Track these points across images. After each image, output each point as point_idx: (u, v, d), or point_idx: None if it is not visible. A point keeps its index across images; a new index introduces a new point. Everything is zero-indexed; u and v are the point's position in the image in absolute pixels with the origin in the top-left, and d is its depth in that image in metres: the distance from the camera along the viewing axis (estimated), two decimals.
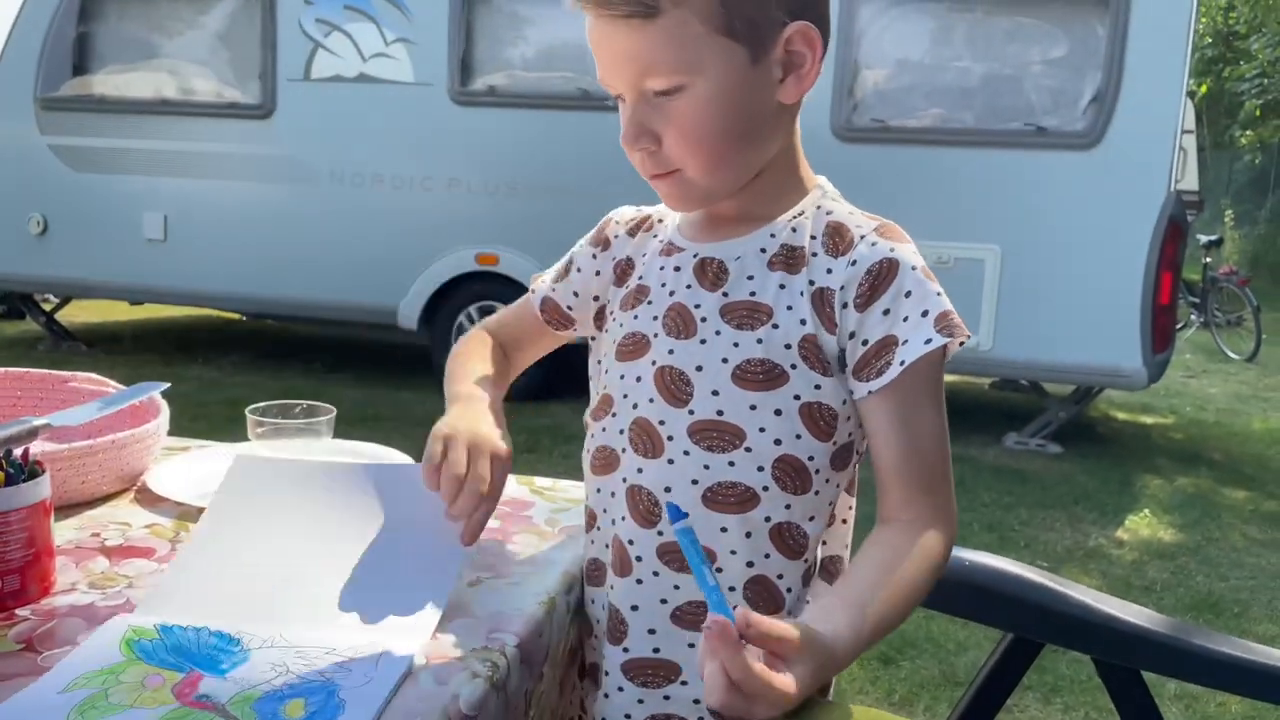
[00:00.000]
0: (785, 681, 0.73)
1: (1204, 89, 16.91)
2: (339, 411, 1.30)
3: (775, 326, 0.93)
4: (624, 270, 1.05)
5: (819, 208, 0.97)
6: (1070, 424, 5.18)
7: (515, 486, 1.31)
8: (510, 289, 5.41)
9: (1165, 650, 1.11)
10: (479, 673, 0.83)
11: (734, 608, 0.72)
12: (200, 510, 1.12)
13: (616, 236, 1.08)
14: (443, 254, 5.44)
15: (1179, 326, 6.31)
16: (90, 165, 5.86)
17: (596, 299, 1.09)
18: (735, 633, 0.71)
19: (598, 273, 1.08)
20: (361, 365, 6.29)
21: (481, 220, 5.37)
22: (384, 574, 0.99)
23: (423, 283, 5.47)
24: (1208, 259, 9.32)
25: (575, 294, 1.11)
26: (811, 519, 0.95)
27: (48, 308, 6.86)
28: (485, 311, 5.49)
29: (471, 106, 5.30)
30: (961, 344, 0.91)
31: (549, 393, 5.29)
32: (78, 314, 7.37)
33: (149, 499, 1.19)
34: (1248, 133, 17.33)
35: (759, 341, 0.93)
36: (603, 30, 0.90)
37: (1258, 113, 16.63)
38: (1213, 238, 9.79)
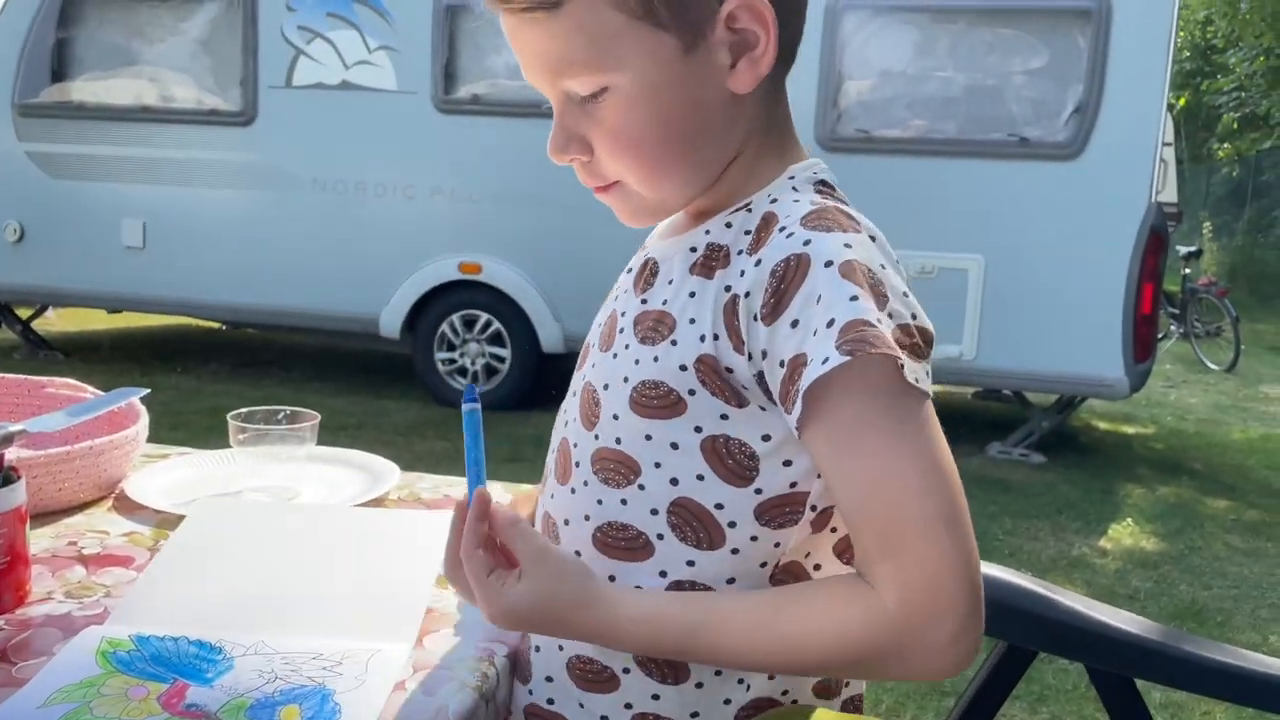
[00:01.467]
0: (496, 586, 0.76)
1: (1182, 102, 17.10)
2: (320, 420, 1.28)
3: (674, 343, 0.78)
4: None
5: (770, 197, 0.80)
6: (1053, 433, 5.19)
7: (501, 494, 1.29)
8: (493, 298, 5.39)
9: (1159, 658, 1.10)
10: (468, 683, 0.82)
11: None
12: (180, 518, 1.10)
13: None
14: (425, 262, 5.41)
15: (1159, 337, 6.35)
16: (68, 172, 5.81)
17: None
18: (488, 506, 0.77)
19: None
20: (343, 374, 6.25)
21: (465, 229, 5.36)
22: (363, 580, 0.98)
23: (405, 291, 5.44)
24: (1187, 270, 9.39)
25: None
26: (730, 582, 0.79)
27: (25, 315, 6.78)
28: (468, 320, 5.47)
29: (455, 114, 5.28)
30: (904, 365, 0.70)
31: (532, 402, 5.28)
32: (54, 322, 7.29)
33: (127, 507, 1.17)
34: (1225, 145, 17.51)
35: (655, 360, 0.79)
36: (511, 27, 0.79)
37: (1235, 126, 16.82)
38: (1192, 249, 9.88)
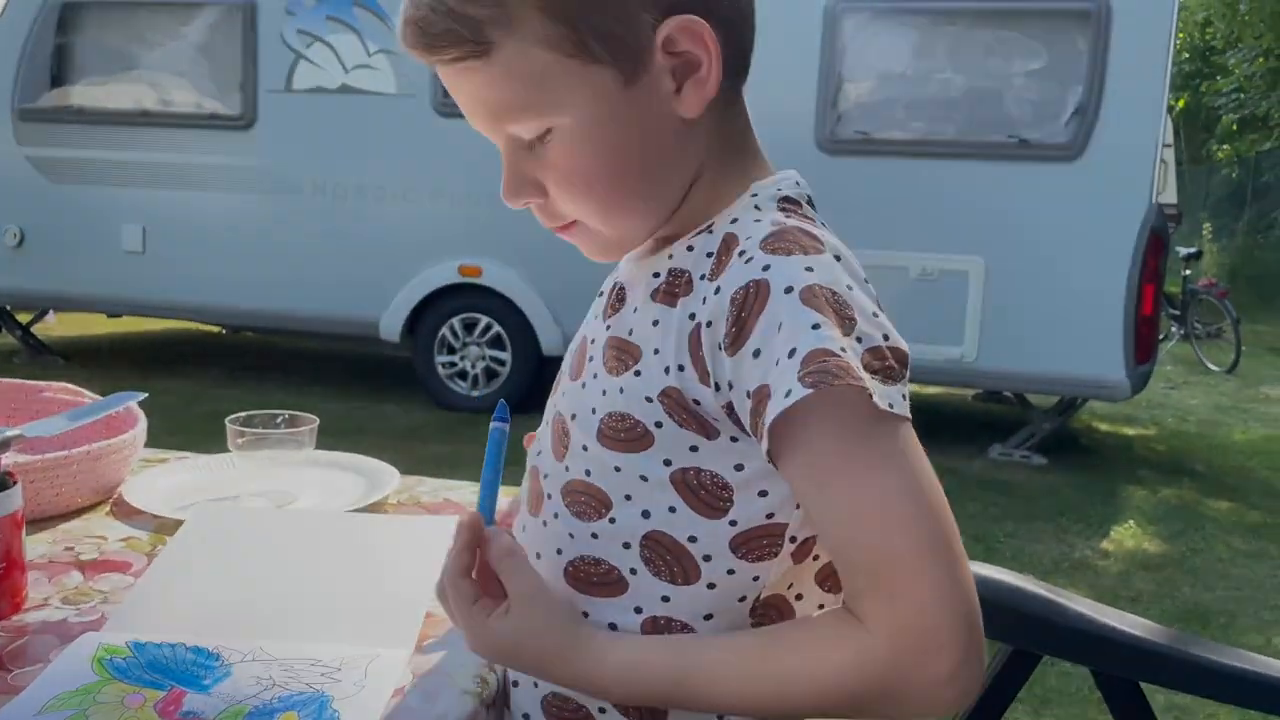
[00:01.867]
0: (480, 616, 0.74)
1: (1181, 104, 17.11)
2: (319, 424, 1.28)
3: (637, 374, 0.75)
4: None
5: (731, 218, 0.77)
6: (1054, 435, 5.19)
7: (500, 499, 1.28)
8: (493, 301, 5.39)
9: (1164, 661, 1.10)
10: (467, 689, 0.81)
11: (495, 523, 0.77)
12: (178, 523, 1.10)
13: None
14: (425, 266, 5.41)
15: (1160, 338, 6.35)
16: (68, 177, 5.81)
17: None
18: (480, 532, 0.75)
19: None
20: (343, 378, 6.25)
21: (464, 232, 5.35)
22: (362, 585, 0.97)
23: (405, 295, 5.44)
24: (1187, 271, 9.39)
25: None
26: (708, 618, 0.76)
27: (25, 319, 6.78)
28: (468, 324, 5.47)
29: (454, 117, 5.23)
30: (873, 393, 0.66)
31: (532, 405, 5.27)
32: (54, 327, 7.29)
33: (125, 511, 1.16)
34: (1224, 147, 17.52)
35: (621, 392, 0.76)
36: (447, 78, 0.77)
37: (1234, 127, 16.83)
38: (1192, 250, 9.87)
